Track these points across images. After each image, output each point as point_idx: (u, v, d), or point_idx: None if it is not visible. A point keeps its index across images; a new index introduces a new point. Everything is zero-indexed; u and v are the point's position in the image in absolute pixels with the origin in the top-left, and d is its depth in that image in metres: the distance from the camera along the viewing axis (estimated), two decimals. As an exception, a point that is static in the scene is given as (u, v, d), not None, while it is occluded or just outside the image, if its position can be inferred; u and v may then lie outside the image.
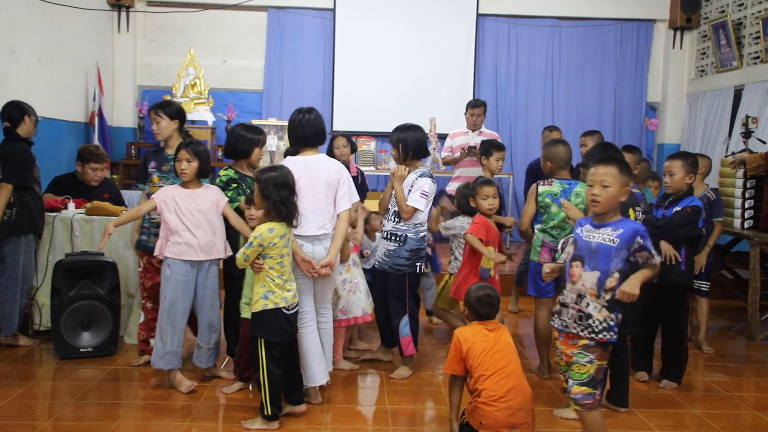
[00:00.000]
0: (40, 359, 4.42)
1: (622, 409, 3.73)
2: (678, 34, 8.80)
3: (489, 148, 5.04)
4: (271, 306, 3.36)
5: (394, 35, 8.78)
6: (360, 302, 4.31)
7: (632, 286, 2.84)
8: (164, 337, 3.78)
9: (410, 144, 4.15)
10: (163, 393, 3.86)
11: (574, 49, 8.95)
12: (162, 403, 3.73)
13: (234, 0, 8.46)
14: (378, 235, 5.19)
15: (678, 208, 4.08)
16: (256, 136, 4.06)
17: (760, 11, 7.24)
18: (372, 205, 5.38)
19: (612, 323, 2.89)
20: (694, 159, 4.18)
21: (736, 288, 6.17)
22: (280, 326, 3.38)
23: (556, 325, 3.04)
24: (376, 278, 4.35)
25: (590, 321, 2.89)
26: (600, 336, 2.87)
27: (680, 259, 4.08)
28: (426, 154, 4.28)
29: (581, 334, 2.90)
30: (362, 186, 5.49)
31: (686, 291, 4.22)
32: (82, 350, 4.38)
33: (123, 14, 8.35)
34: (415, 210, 4.07)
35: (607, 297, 2.86)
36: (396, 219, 4.14)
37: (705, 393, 4.15)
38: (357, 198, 3.84)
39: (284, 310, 3.38)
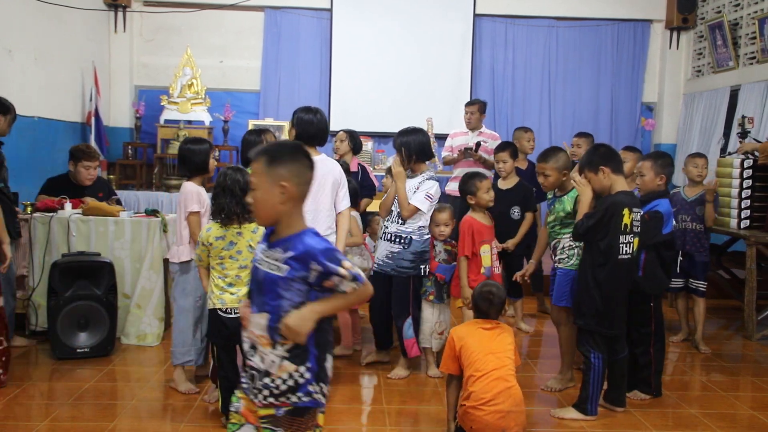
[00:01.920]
0: (36, 360, 4.40)
1: (619, 408, 3.73)
2: (674, 34, 8.80)
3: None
4: (210, 306, 3.37)
5: (392, 35, 8.76)
6: None
7: (300, 317, 1.97)
8: (189, 334, 3.79)
9: (413, 147, 4.14)
10: (160, 394, 3.85)
11: (570, 49, 8.94)
12: (158, 404, 3.73)
13: (231, 0, 8.45)
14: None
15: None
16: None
17: (756, 11, 7.25)
18: (373, 206, 5.33)
19: (303, 379, 2.02)
20: (665, 159, 4.04)
21: (733, 288, 6.17)
22: (216, 328, 3.37)
23: (244, 386, 2.15)
24: (375, 281, 4.32)
25: (267, 380, 2.03)
26: (282, 400, 2.01)
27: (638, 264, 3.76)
28: (430, 156, 4.28)
29: (256, 400, 2.05)
30: (364, 182, 5.33)
31: (649, 298, 3.87)
32: (78, 351, 4.37)
33: (120, 14, 8.33)
34: (417, 210, 4.06)
35: (288, 345, 2.02)
36: (400, 221, 4.12)
37: (702, 392, 4.15)
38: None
39: (220, 312, 3.34)
